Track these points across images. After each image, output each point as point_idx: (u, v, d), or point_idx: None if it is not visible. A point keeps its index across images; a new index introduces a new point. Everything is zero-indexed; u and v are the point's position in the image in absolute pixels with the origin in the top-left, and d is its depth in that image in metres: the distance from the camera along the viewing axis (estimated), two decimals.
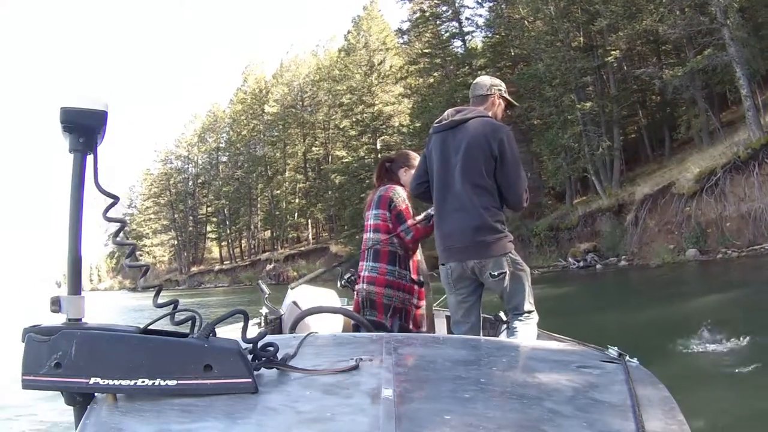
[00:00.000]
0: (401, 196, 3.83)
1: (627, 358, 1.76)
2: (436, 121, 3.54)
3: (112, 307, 32.50)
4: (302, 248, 59.36)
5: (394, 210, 3.78)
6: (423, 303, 3.94)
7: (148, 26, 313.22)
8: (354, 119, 52.80)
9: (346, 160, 52.03)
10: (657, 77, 26.58)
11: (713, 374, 6.16)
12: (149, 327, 1.46)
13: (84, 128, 1.44)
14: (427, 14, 42.70)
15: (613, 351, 1.82)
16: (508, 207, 3.36)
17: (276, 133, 66.65)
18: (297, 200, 63.36)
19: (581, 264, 26.60)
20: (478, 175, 3.26)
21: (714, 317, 8.50)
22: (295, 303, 4.35)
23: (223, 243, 77.25)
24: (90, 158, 1.47)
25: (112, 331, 1.38)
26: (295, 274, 52.95)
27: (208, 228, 79.67)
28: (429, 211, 3.79)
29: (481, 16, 41.57)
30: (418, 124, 39.12)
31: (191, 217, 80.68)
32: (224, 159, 77.49)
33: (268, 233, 69.64)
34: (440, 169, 3.42)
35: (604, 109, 30.67)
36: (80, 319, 1.42)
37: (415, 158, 4.01)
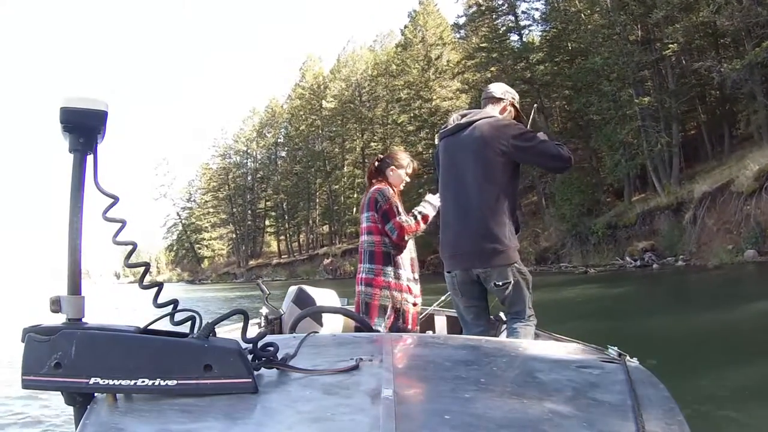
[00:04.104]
0: (385, 195, 3.89)
1: (627, 358, 1.76)
2: (444, 126, 3.50)
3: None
4: None
5: (380, 210, 3.86)
6: (419, 302, 4.02)
7: (192, 16, 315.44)
8: (412, 114, 52.80)
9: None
10: (715, 71, 25.79)
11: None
12: (149, 327, 1.49)
13: (84, 128, 1.47)
14: (483, 8, 42.38)
15: (612, 351, 1.82)
16: (553, 173, 3.28)
17: (334, 129, 67.10)
18: (355, 195, 63.18)
19: (638, 263, 26.02)
20: (485, 180, 3.21)
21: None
22: (295, 303, 4.45)
23: (282, 237, 78.35)
24: (90, 158, 1.50)
25: (112, 331, 1.41)
26: (353, 269, 53.30)
27: (267, 222, 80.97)
28: (418, 209, 3.91)
29: (537, 9, 41.22)
30: None
31: (250, 212, 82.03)
32: (283, 154, 78.38)
33: (326, 228, 70.20)
34: (445, 174, 3.42)
35: (662, 104, 29.83)
36: (80, 319, 1.44)
37: (403, 157, 4.10)
